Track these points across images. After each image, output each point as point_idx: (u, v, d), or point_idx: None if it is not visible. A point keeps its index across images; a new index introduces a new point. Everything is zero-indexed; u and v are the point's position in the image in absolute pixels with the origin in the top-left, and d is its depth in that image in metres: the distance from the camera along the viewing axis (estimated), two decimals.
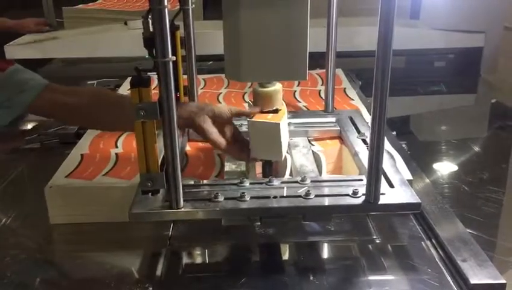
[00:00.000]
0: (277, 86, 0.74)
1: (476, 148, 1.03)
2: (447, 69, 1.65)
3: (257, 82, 0.72)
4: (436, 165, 0.96)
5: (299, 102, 1.10)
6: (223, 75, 1.30)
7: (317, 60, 1.09)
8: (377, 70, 0.57)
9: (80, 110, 0.77)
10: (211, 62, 1.56)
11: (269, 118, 0.73)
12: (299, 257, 0.70)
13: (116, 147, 0.89)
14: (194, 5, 0.85)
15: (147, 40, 0.57)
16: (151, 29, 0.56)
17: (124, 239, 0.73)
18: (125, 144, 0.90)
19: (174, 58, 0.57)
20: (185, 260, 0.70)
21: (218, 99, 1.14)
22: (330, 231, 0.74)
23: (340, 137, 0.89)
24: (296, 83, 1.21)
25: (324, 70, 0.94)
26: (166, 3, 0.54)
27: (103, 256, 0.71)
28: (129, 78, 1.27)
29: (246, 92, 1.17)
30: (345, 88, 1.19)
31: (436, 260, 0.67)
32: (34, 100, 0.75)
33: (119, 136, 0.93)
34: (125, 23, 1.58)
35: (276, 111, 0.75)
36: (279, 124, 0.72)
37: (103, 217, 0.75)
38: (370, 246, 0.71)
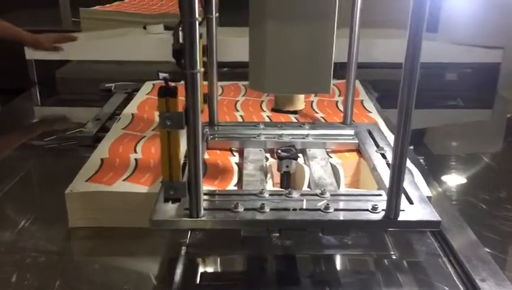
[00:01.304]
0: None
1: (492, 163, 1.03)
2: (464, 83, 1.65)
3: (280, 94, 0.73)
4: (450, 181, 0.96)
5: (317, 113, 1.11)
6: (239, 83, 1.33)
7: (337, 70, 1.10)
8: (403, 88, 0.58)
9: None
10: (226, 69, 1.57)
11: None
12: (315, 270, 0.70)
13: (135, 152, 0.90)
14: (218, 14, 0.86)
15: (176, 52, 0.57)
16: (180, 40, 0.57)
17: (142, 245, 0.74)
18: (144, 149, 0.91)
19: (203, 69, 0.57)
20: (201, 268, 0.71)
21: (235, 106, 1.15)
22: (347, 245, 0.74)
23: (359, 150, 0.89)
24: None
25: (341, 81, 0.94)
26: (197, 16, 0.55)
27: (121, 261, 0.72)
28: (147, 82, 1.30)
29: (263, 101, 1.18)
30: (362, 100, 1.19)
31: (454, 278, 0.67)
32: None
33: (138, 141, 0.94)
34: (144, 28, 1.59)
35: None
36: None
37: (122, 222, 0.75)
38: (386, 261, 0.72)
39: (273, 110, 0.74)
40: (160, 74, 0.58)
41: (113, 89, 1.34)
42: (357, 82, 1.30)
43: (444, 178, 0.95)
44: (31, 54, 1.53)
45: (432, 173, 0.91)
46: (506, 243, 0.76)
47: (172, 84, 0.59)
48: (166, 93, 0.58)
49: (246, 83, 1.30)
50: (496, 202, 0.85)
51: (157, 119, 0.86)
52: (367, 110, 1.13)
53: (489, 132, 1.29)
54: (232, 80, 1.36)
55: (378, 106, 1.18)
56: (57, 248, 0.73)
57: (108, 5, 2.08)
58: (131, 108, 1.13)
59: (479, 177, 0.98)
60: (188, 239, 0.74)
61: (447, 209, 0.80)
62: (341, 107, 1.13)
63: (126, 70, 1.63)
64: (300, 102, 0.73)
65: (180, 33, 0.58)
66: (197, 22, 0.56)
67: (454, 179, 0.97)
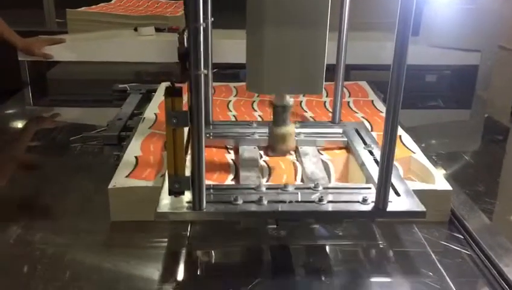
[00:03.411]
0: (290, 128, 0.80)
1: (471, 160, 1.09)
2: (443, 85, 1.72)
3: (277, 95, 0.77)
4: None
5: (306, 112, 1.16)
6: (230, 84, 1.37)
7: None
8: (391, 85, 0.63)
9: None
10: (215, 70, 1.61)
11: None
12: (309, 259, 0.75)
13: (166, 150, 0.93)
14: (213, 19, 0.90)
15: (181, 54, 0.62)
16: (185, 44, 0.61)
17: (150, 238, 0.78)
18: None
19: (206, 71, 0.62)
20: (201, 260, 0.75)
21: (228, 106, 1.19)
22: (338, 236, 0.79)
23: (347, 147, 0.94)
24: None
25: (329, 83, 0.99)
26: (202, 22, 0.59)
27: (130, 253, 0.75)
28: (162, 84, 1.33)
29: (254, 101, 1.22)
30: (372, 100, 1.25)
31: (438, 265, 0.72)
32: None
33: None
34: (135, 30, 1.62)
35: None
36: None
37: None
38: (375, 250, 0.77)
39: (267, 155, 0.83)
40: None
41: (128, 89, 1.37)
42: (365, 83, 1.36)
43: None
44: (23, 54, 1.55)
45: None
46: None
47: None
48: (173, 93, 0.63)
49: (237, 84, 1.36)
50: (475, 196, 0.91)
51: None
52: (378, 109, 1.19)
53: (468, 131, 1.36)
54: (222, 81, 1.40)
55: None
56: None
57: (94, 6, 2.10)
58: (153, 108, 1.16)
59: (459, 173, 1.04)
60: (189, 232, 0.78)
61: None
62: (329, 107, 1.18)
63: (117, 70, 1.66)
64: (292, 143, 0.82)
65: (185, 37, 0.62)
66: (201, 27, 0.60)
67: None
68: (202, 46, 0.61)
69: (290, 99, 0.80)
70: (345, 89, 1.30)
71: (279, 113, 0.80)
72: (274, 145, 0.81)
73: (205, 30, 0.87)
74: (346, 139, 0.95)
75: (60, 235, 0.78)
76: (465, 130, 1.36)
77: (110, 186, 0.80)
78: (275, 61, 0.70)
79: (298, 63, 0.71)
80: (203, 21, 0.59)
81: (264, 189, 0.73)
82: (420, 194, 0.74)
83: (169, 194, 0.67)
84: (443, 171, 0.98)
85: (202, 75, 0.61)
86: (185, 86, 0.62)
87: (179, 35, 0.61)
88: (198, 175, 0.66)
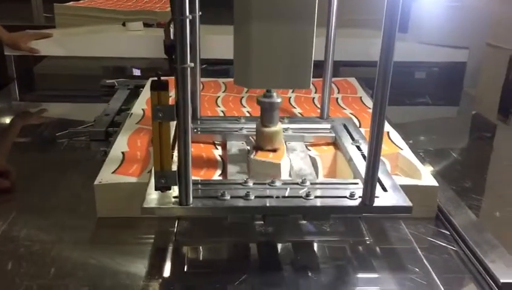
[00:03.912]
0: (278, 127, 0.80)
1: (458, 157, 1.10)
2: (431, 81, 1.73)
3: (265, 89, 0.77)
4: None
5: (294, 108, 1.16)
6: (219, 79, 1.37)
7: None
8: (378, 81, 0.63)
9: None
10: (204, 65, 1.60)
11: (271, 156, 0.78)
12: (296, 256, 0.74)
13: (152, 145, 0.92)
14: (200, 12, 0.90)
15: (167, 47, 0.61)
16: (171, 37, 0.61)
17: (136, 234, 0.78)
18: None
19: (192, 64, 0.61)
20: (188, 256, 0.74)
21: (216, 102, 1.19)
22: (325, 232, 0.79)
23: (335, 143, 0.94)
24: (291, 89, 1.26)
25: (317, 79, 0.99)
26: (188, 14, 0.59)
27: (116, 249, 0.75)
28: (151, 79, 1.31)
29: (243, 97, 1.22)
30: (361, 97, 1.25)
31: (425, 261, 0.72)
32: None
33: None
34: (124, 24, 1.60)
35: (275, 150, 0.81)
36: (279, 163, 0.78)
37: None
38: (361, 247, 0.77)
39: (254, 148, 0.82)
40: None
41: (116, 85, 1.36)
42: (354, 79, 1.37)
43: None
44: (10, 49, 1.53)
45: None
46: None
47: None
48: (159, 87, 0.62)
49: (226, 79, 1.35)
50: (462, 192, 0.91)
51: None
52: (366, 106, 1.19)
53: (456, 127, 1.36)
54: (211, 76, 1.39)
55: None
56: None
57: (82, 0, 2.08)
58: (141, 104, 1.15)
59: (446, 169, 1.05)
60: (176, 228, 0.78)
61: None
62: (318, 103, 1.18)
63: (103, 65, 1.65)
64: (279, 142, 0.81)
65: (171, 30, 0.61)
66: (187, 20, 0.59)
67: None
68: (189, 39, 0.60)
69: (278, 97, 0.80)
70: (333, 85, 1.31)
71: (267, 111, 0.79)
72: (261, 145, 0.80)
73: (192, 23, 0.88)
74: (334, 134, 0.95)
75: (45, 232, 0.77)
76: (453, 127, 1.36)
77: (96, 182, 0.79)
78: (263, 55, 0.70)
79: (286, 58, 0.71)
80: (190, 13, 0.59)
81: (251, 184, 0.73)
82: (407, 190, 0.74)
83: (156, 189, 0.67)
84: (430, 168, 0.99)
85: (188, 68, 0.61)
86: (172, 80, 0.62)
87: (165, 28, 0.60)
88: (184, 170, 0.65)
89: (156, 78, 0.62)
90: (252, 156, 0.80)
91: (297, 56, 0.71)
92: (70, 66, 1.63)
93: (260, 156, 0.80)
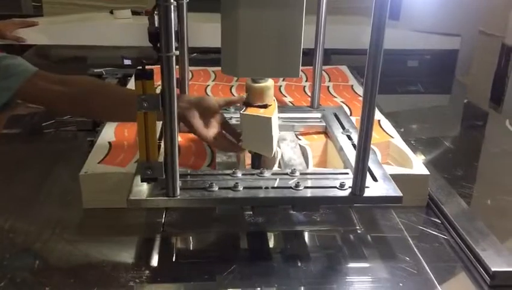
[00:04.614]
0: (269, 82, 0.78)
1: (450, 145, 1.09)
2: (423, 69, 1.72)
3: (252, 78, 0.76)
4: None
5: (285, 96, 1.14)
6: (209, 68, 1.35)
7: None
8: (368, 70, 0.61)
9: (69, 98, 0.78)
10: (194, 54, 1.58)
11: (261, 112, 0.76)
12: (286, 245, 0.74)
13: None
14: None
15: (152, 35, 0.59)
16: (156, 24, 0.59)
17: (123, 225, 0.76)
18: None
19: (177, 52, 0.59)
20: (177, 246, 0.73)
21: (206, 91, 1.17)
22: (316, 221, 0.78)
23: (326, 132, 0.93)
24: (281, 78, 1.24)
25: (308, 67, 0.97)
26: (172, 0, 0.57)
27: (103, 241, 0.74)
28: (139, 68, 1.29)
29: (232, 85, 1.20)
30: (352, 85, 1.24)
31: (415, 250, 0.72)
32: (22, 85, 0.76)
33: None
34: (111, 12, 1.58)
35: (266, 106, 0.79)
36: (270, 118, 0.76)
37: None
38: (352, 235, 0.76)
39: (244, 104, 0.77)
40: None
41: (104, 74, 1.33)
42: (345, 67, 1.35)
43: None
44: None
45: None
46: None
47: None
48: (143, 76, 0.60)
49: (216, 68, 1.33)
50: (453, 180, 0.91)
51: None
52: (358, 94, 1.18)
53: (448, 116, 1.36)
54: (201, 65, 1.37)
55: None
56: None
57: None
58: None
59: (438, 157, 1.04)
60: (164, 218, 0.76)
61: None
62: (308, 92, 1.16)
63: (91, 55, 1.62)
64: (270, 98, 0.77)
65: (156, 17, 0.59)
66: (172, 6, 0.57)
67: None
68: (175, 27, 0.58)
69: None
70: (324, 74, 1.29)
71: None
72: (251, 101, 0.77)
73: (179, 10, 0.86)
74: (324, 124, 0.93)
75: (30, 223, 0.75)
76: (445, 116, 1.36)
77: (81, 172, 0.78)
78: (250, 43, 0.68)
79: (274, 46, 0.69)
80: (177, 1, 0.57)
81: (240, 175, 0.72)
82: (398, 178, 0.73)
83: (142, 181, 0.65)
84: (421, 156, 0.98)
85: (174, 56, 0.59)
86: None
87: (149, 14, 0.59)
88: (171, 161, 0.64)
89: (140, 67, 0.60)
90: (241, 112, 0.77)
91: (286, 44, 0.69)
92: (57, 55, 1.60)
93: (250, 111, 0.77)
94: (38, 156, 0.97)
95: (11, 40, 1.49)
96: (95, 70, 1.37)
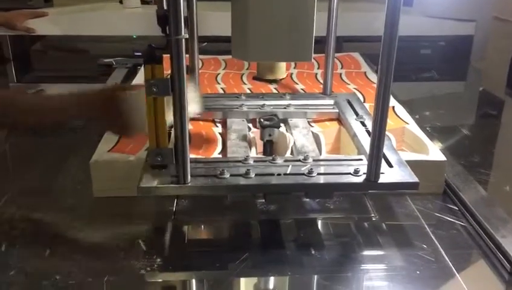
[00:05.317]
0: None
1: (466, 132, 1.07)
2: (437, 56, 1.68)
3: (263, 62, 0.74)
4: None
5: (297, 84, 1.12)
6: (219, 57, 1.33)
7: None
8: (383, 56, 0.60)
9: None
10: (205, 43, 1.57)
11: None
12: (299, 233, 0.72)
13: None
14: None
15: (160, 18, 0.58)
16: (165, 7, 0.58)
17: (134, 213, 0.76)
18: None
19: (186, 35, 0.58)
20: (188, 234, 0.72)
21: (216, 79, 1.16)
22: (329, 209, 0.77)
23: (339, 119, 0.91)
24: (293, 65, 1.22)
25: (320, 54, 0.95)
26: None
27: (113, 228, 0.73)
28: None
29: (243, 73, 1.19)
30: (365, 72, 1.22)
31: (432, 237, 0.70)
32: None
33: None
34: (120, 2, 1.56)
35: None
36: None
37: None
38: (367, 223, 0.74)
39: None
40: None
41: (114, 64, 1.33)
42: (358, 54, 1.33)
43: None
44: (5, 29, 1.49)
45: None
46: None
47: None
48: (152, 60, 0.59)
49: (226, 57, 1.32)
50: (470, 167, 0.89)
51: None
52: (371, 81, 1.15)
53: (463, 103, 1.33)
54: (211, 54, 1.36)
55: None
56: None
57: None
58: (139, 81, 1.11)
59: (454, 144, 1.02)
60: (175, 206, 0.75)
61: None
62: (320, 79, 1.15)
63: (102, 46, 1.61)
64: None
65: (164, 0, 0.58)
66: None
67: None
68: (184, 12, 0.57)
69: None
70: (337, 61, 1.27)
71: None
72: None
73: None
74: (337, 110, 0.92)
75: (41, 213, 0.75)
76: (460, 102, 1.33)
77: (92, 160, 0.77)
78: (261, 26, 0.66)
79: (285, 29, 0.67)
80: None
81: (251, 162, 0.70)
82: (414, 165, 0.71)
83: (152, 167, 0.64)
84: (437, 143, 0.96)
85: (183, 40, 0.58)
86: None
87: None
88: (182, 147, 0.63)
89: (149, 52, 0.59)
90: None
91: (298, 27, 0.68)
92: (67, 46, 1.60)
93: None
94: (49, 146, 0.97)
95: (22, 31, 1.48)
96: (105, 60, 1.36)
